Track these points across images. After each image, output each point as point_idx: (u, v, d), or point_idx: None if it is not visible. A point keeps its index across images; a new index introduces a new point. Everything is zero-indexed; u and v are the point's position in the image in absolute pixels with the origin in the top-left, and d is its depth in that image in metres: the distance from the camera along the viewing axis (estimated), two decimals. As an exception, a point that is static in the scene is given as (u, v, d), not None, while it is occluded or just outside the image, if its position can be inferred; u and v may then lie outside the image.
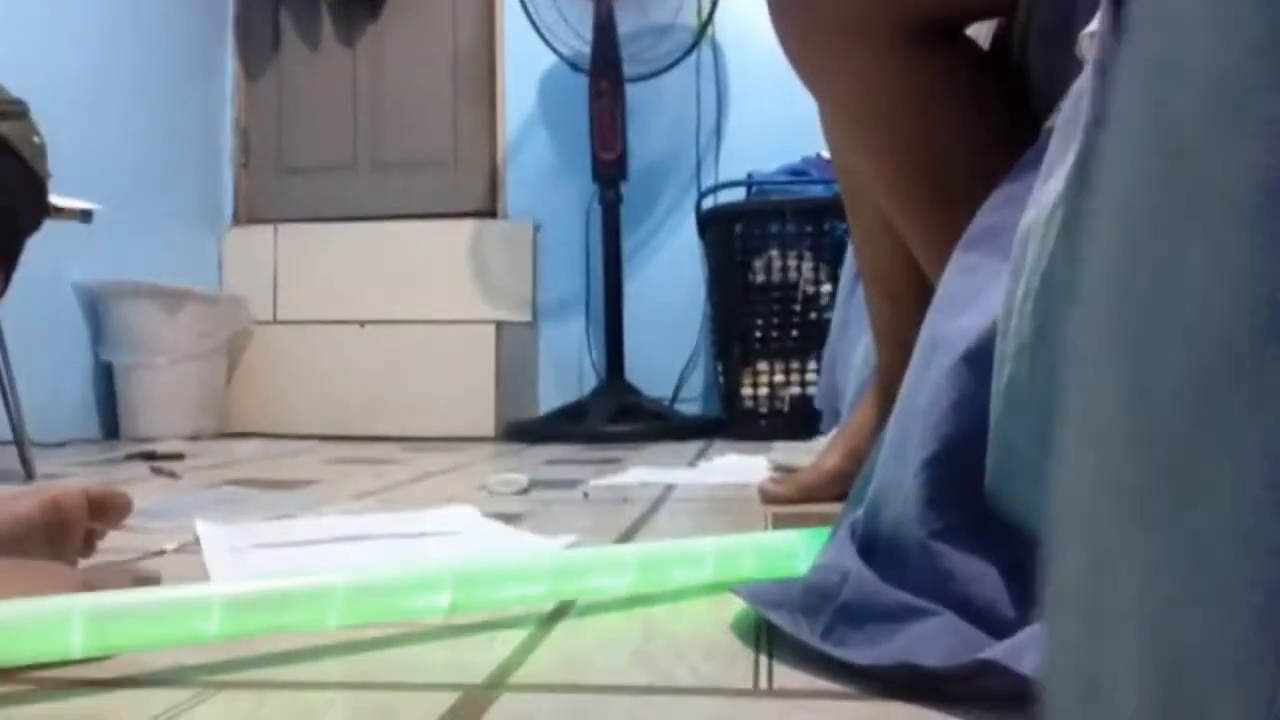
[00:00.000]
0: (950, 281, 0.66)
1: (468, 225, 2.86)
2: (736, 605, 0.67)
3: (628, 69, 2.66)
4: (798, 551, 0.74)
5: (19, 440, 1.63)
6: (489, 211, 3.02)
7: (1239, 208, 0.18)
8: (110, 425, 2.57)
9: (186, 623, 0.57)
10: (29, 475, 1.60)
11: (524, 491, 1.39)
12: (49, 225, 1.78)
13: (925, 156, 0.84)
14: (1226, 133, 0.19)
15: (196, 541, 0.98)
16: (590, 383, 2.80)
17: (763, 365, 2.50)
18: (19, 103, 0.69)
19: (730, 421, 2.54)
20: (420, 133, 3.08)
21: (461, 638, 0.65)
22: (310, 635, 0.64)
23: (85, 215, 1.74)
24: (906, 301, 1.02)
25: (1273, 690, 0.17)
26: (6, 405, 1.66)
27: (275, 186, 3.14)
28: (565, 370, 2.93)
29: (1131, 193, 0.22)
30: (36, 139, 0.68)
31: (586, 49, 2.66)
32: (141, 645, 0.59)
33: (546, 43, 2.65)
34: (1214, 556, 0.18)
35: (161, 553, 0.93)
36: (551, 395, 2.88)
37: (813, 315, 2.44)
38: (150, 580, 0.65)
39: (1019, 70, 0.83)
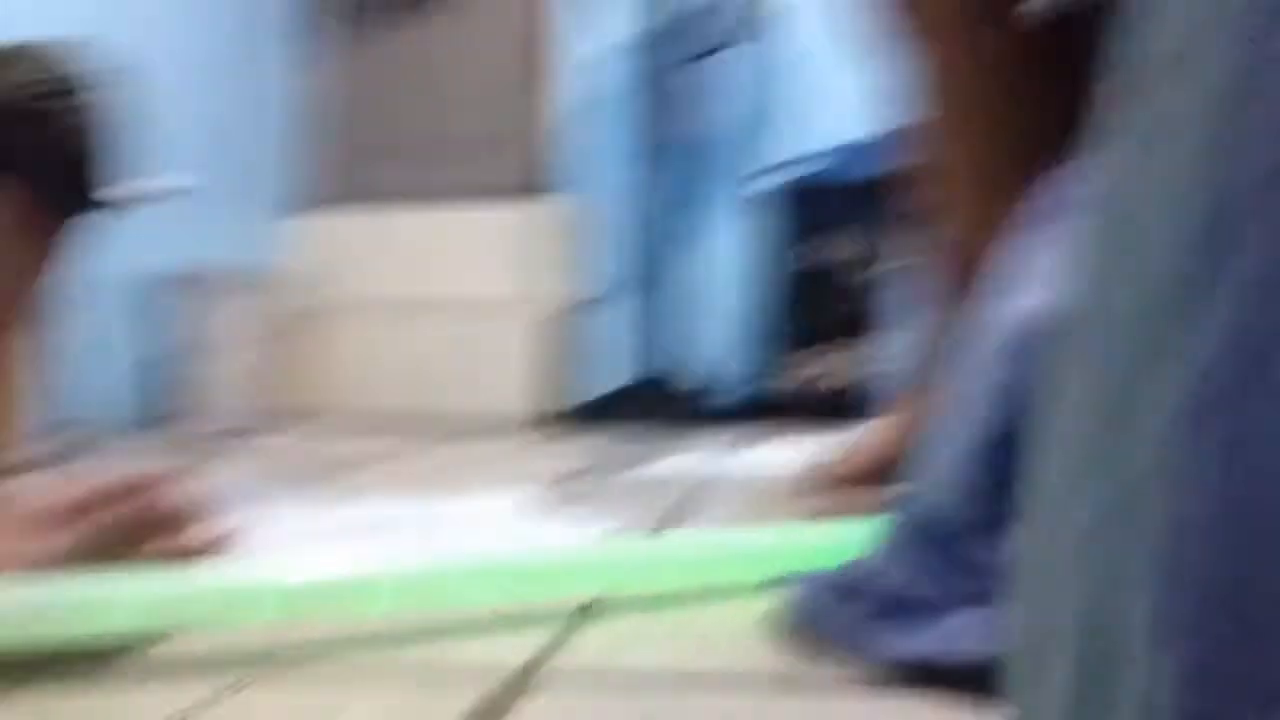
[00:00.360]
0: (1007, 262, 0.65)
1: (518, 206, 2.87)
2: (772, 596, 0.66)
3: (681, 47, 2.64)
4: (842, 545, 0.73)
5: (86, 423, 1.67)
6: (539, 192, 3.02)
7: (1186, 145, 0.19)
8: (166, 410, 2.62)
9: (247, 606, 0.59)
10: (94, 458, 1.64)
11: (569, 478, 1.39)
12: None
13: (1007, 124, 0.82)
14: (1183, 70, 0.19)
15: (253, 525, 1.00)
16: (634, 367, 2.80)
17: (811, 350, 2.48)
18: (80, 78, 0.70)
19: (775, 407, 2.53)
20: (470, 114, 3.09)
21: (493, 629, 0.65)
22: (341, 626, 0.65)
23: (161, 196, 1.77)
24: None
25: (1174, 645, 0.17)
26: (61, 393, 1.70)
27: (329, 170, 3.17)
28: (610, 354, 2.93)
29: (1108, 138, 0.22)
30: (102, 113, 0.71)
31: (639, 27, 2.65)
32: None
33: (600, 22, 2.65)
34: (1138, 498, 0.18)
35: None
36: (598, 379, 2.88)
37: (864, 299, 2.42)
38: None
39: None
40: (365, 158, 3.15)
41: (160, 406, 2.61)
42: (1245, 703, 0.16)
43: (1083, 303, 0.23)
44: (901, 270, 1.52)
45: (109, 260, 2.43)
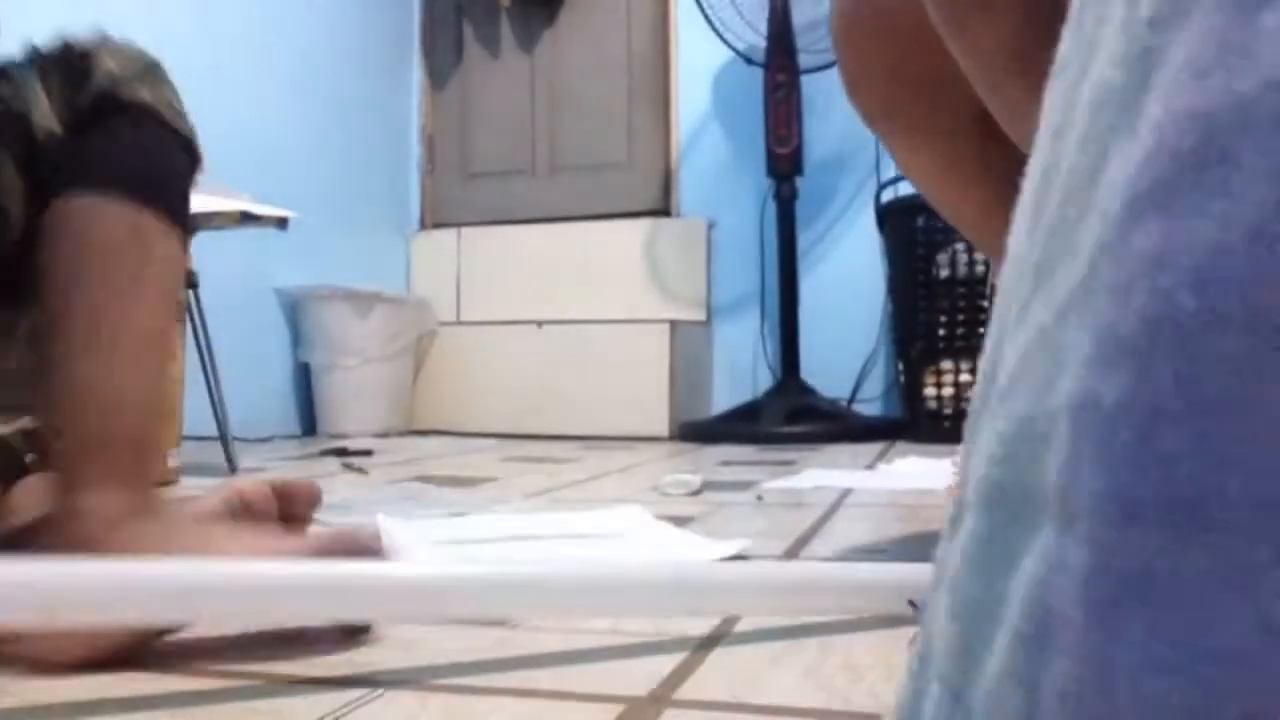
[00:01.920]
0: None
1: (642, 225, 2.87)
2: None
3: (804, 59, 2.59)
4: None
5: (223, 436, 1.74)
6: (663, 210, 3.02)
7: None
8: (308, 422, 2.72)
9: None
10: (232, 469, 1.70)
11: (696, 493, 1.37)
12: (253, 233, 1.89)
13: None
14: None
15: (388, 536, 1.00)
16: (765, 382, 2.75)
17: (947, 364, 2.39)
18: (156, 67, 0.71)
19: (912, 423, 2.44)
20: (595, 135, 3.11)
21: (627, 648, 0.63)
22: (472, 639, 0.64)
23: (282, 223, 1.83)
24: None
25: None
26: (213, 403, 1.77)
27: (458, 192, 3.25)
28: (739, 369, 2.90)
29: None
30: (175, 102, 0.71)
31: (761, 42, 2.62)
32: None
33: (720, 37, 2.63)
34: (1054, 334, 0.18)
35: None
36: (725, 395, 2.85)
37: (1001, 311, 2.31)
38: (374, 548, 0.65)
39: None
40: (497, 179, 3.21)
41: (308, 415, 2.71)
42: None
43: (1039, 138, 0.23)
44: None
45: (264, 276, 2.54)
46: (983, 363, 0.24)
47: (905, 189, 2.53)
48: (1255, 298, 0.15)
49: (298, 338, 2.68)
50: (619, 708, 0.51)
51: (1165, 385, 0.15)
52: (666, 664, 0.59)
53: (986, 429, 0.21)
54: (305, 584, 0.56)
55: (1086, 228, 0.18)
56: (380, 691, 0.54)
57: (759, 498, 1.34)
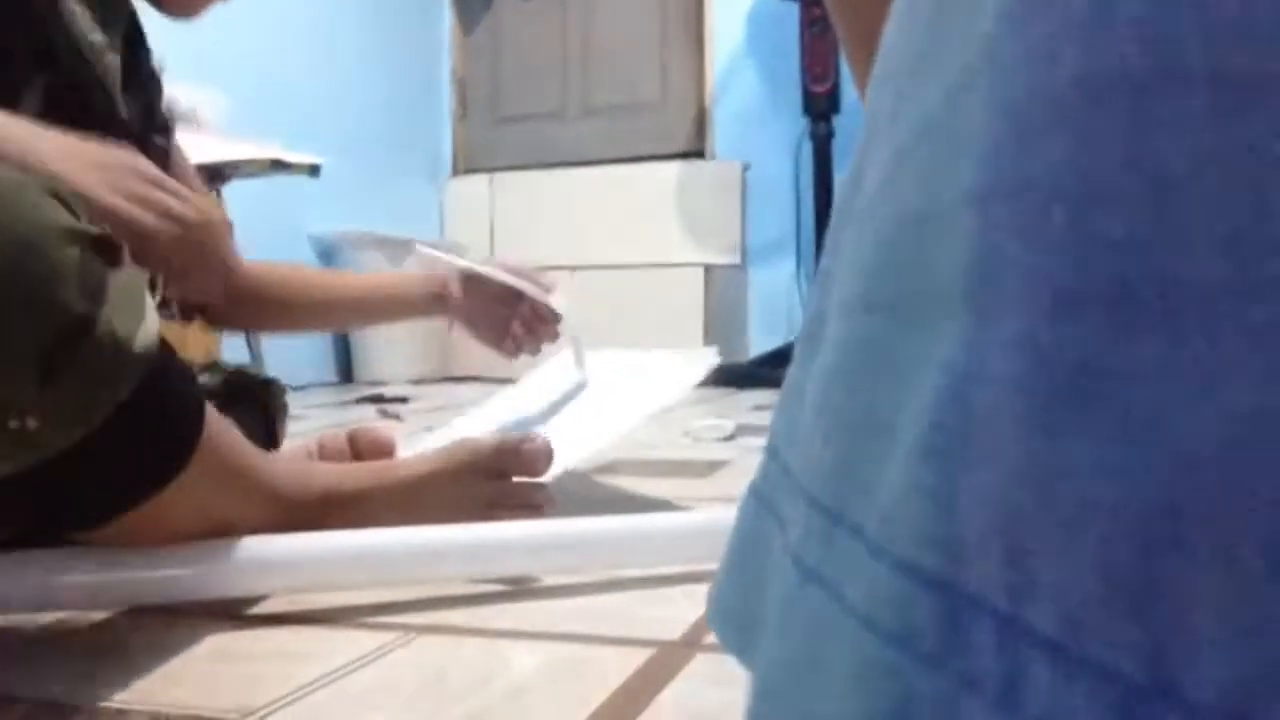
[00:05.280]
0: None
1: (676, 167, 2.84)
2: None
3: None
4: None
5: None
6: (697, 152, 2.98)
7: None
8: (345, 370, 2.74)
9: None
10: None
11: (730, 438, 1.36)
12: (286, 180, 1.89)
13: None
14: None
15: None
16: (800, 326, 2.73)
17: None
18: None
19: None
20: (629, 76, 3.06)
21: (658, 593, 0.62)
22: (504, 584, 0.64)
23: (314, 169, 1.83)
24: None
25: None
26: (250, 352, 1.78)
27: (490, 136, 3.22)
28: (774, 313, 2.87)
29: None
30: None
31: (798, -24, 2.56)
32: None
33: (754, -26, 2.56)
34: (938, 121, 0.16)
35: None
36: (760, 339, 2.83)
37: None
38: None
39: None
40: (528, 122, 3.18)
41: (344, 362, 2.73)
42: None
43: None
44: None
45: (297, 224, 2.55)
46: (848, 172, 0.22)
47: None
48: (1225, 51, 0.12)
49: (333, 285, 2.69)
50: (650, 651, 0.51)
51: (1111, 156, 0.13)
52: (698, 609, 0.58)
53: (853, 239, 0.19)
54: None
55: None
56: (413, 636, 0.54)
57: (794, 442, 1.33)
